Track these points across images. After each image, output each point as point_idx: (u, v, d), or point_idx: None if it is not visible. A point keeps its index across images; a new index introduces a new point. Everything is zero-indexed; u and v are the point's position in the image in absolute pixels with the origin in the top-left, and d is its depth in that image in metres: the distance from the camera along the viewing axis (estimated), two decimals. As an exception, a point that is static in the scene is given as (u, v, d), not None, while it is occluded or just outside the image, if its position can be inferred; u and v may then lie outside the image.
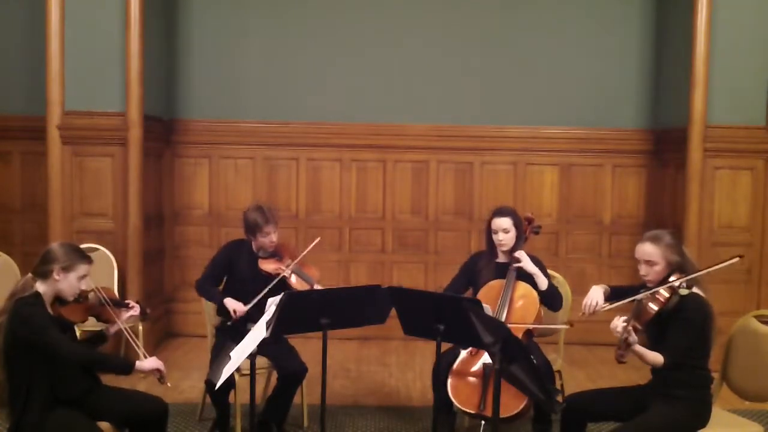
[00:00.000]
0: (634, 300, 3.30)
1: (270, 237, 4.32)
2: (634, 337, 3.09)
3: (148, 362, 3.34)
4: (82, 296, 3.42)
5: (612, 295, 3.56)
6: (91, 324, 3.83)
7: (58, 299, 3.33)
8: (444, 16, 6.60)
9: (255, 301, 4.16)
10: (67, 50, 5.56)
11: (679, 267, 3.36)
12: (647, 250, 3.40)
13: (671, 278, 3.31)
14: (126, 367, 3.32)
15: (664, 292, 3.25)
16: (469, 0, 6.60)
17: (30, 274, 3.31)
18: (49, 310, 3.30)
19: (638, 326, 3.18)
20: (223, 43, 6.58)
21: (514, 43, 6.61)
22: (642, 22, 6.59)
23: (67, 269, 3.27)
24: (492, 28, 6.61)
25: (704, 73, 5.72)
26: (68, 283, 3.29)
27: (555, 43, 6.60)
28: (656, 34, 6.56)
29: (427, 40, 6.60)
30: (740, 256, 3.41)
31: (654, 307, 3.24)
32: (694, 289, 3.31)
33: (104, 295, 3.50)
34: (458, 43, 6.60)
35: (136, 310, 3.59)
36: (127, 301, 3.64)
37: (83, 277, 3.33)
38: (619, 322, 3.14)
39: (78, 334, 4.13)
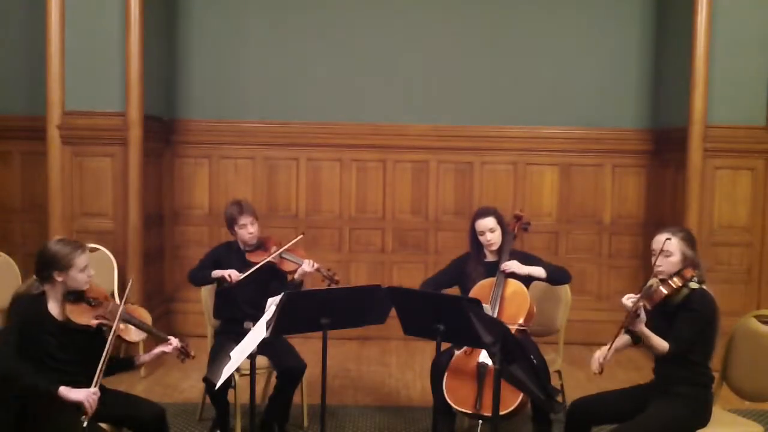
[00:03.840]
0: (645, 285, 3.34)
1: (247, 229, 4.38)
2: (643, 315, 3.17)
3: (76, 393, 3.09)
4: (95, 299, 3.35)
5: None
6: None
7: (71, 293, 3.30)
8: (444, 16, 6.60)
9: (248, 272, 4.26)
10: (67, 50, 5.55)
11: (692, 262, 3.37)
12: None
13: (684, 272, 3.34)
14: (49, 393, 3.09)
15: (676, 281, 3.30)
16: (469, 0, 6.61)
17: (35, 277, 3.31)
18: (58, 309, 3.29)
19: (647, 306, 3.25)
20: (223, 43, 6.58)
21: (514, 43, 6.60)
22: (642, 22, 6.58)
23: (65, 268, 3.25)
24: (492, 28, 6.60)
25: (704, 73, 5.71)
26: (72, 279, 3.28)
27: (555, 44, 6.60)
28: (656, 34, 6.56)
29: (427, 40, 6.59)
30: None
31: (664, 290, 3.29)
32: (704, 286, 3.34)
33: (132, 315, 3.43)
34: (458, 43, 6.59)
35: (168, 347, 3.45)
36: (168, 337, 3.50)
37: (84, 267, 3.30)
38: (628, 301, 3.25)
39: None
